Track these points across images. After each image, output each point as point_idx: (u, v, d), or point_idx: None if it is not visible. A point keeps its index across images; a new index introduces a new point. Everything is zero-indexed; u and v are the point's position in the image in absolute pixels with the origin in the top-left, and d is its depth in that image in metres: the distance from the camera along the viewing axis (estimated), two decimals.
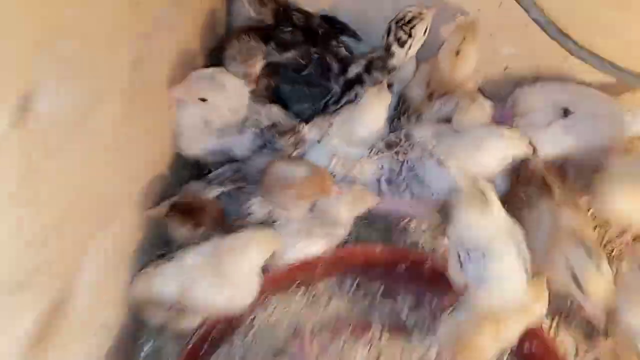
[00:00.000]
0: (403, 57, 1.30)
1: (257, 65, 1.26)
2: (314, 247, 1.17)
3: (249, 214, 1.16)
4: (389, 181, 1.19)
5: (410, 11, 1.26)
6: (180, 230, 1.13)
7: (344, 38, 1.40)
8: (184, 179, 1.28)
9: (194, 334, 1.09)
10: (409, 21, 1.25)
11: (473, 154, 1.13)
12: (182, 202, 1.14)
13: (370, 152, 1.20)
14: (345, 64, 1.36)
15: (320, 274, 1.26)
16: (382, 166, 1.20)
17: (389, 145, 1.19)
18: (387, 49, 1.30)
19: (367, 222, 1.30)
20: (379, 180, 1.20)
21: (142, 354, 1.19)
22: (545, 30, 1.17)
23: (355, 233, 1.27)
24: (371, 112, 1.20)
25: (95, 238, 0.94)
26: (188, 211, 1.13)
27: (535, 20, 1.16)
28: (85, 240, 0.92)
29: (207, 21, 1.34)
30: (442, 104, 1.29)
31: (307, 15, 1.38)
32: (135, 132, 1.04)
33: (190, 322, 1.07)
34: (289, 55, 1.35)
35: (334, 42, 1.37)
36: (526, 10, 1.15)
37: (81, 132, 0.83)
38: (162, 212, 1.12)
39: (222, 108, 1.20)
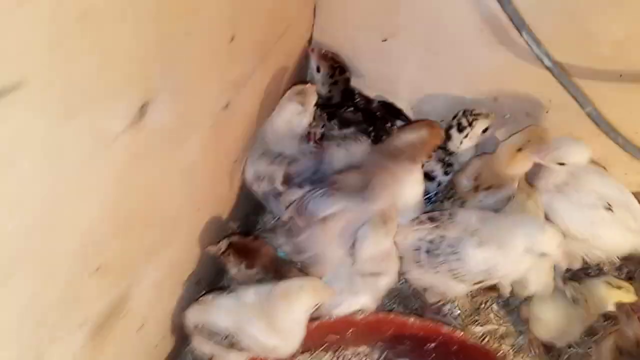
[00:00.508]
0: (458, 143, 1.41)
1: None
2: (361, 299, 1.19)
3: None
4: (428, 252, 1.23)
5: (480, 109, 1.40)
6: (233, 269, 1.18)
7: (399, 122, 1.52)
8: (244, 214, 1.34)
9: None
10: (475, 114, 1.39)
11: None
12: (239, 241, 1.20)
13: (413, 221, 1.26)
14: None
15: (350, 339, 1.27)
16: (422, 238, 1.24)
17: (432, 219, 1.25)
18: (448, 129, 1.41)
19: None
20: (418, 250, 1.24)
21: None
22: (597, 124, 1.24)
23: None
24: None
25: (156, 253, 0.99)
26: (244, 251, 1.18)
27: (589, 114, 1.22)
28: (148, 250, 0.96)
29: (287, 80, 1.46)
30: (486, 195, 1.36)
31: (367, 99, 1.53)
32: (213, 162, 1.13)
33: (235, 358, 1.09)
34: (348, 131, 1.47)
35: (389, 124, 1.50)
36: (581, 106, 1.23)
37: (174, 147, 0.91)
38: (220, 249, 1.17)
39: None
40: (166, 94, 0.80)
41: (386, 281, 1.20)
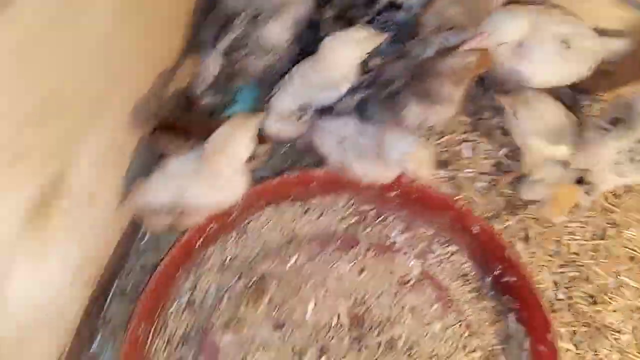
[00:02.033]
0: None
1: None
2: None
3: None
4: None
5: None
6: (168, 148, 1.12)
7: None
8: None
9: (188, 230, 1.16)
10: None
11: None
12: (166, 122, 1.12)
13: None
14: None
15: (314, 190, 1.30)
16: None
17: None
18: None
19: None
20: None
21: (142, 244, 1.29)
22: None
23: None
24: None
25: (88, 133, 0.97)
26: (172, 131, 1.11)
27: None
28: (79, 129, 0.93)
29: None
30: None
31: None
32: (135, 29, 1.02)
33: (193, 221, 1.13)
34: None
35: None
36: None
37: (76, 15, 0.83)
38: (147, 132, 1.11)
39: None
40: None
41: None
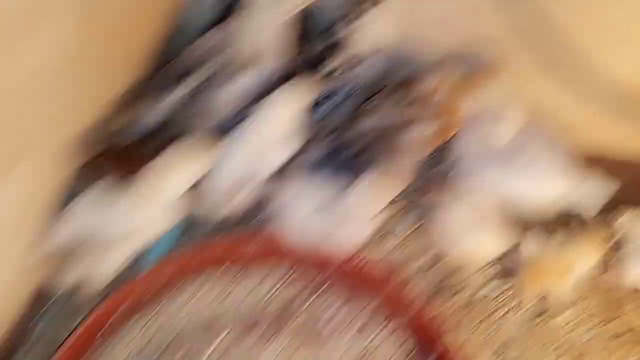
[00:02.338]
0: None
1: None
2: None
3: None
4: None
5: None
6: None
7: None
8: None
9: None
10: None
11: None
12: (114, 149, 1.06)
13: None
14: None
15: (246, 260, 1.22)
16: None
17: None
18: None
19: None
20: None
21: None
22: None
23: None
24: None
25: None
26: (118, 159, 1.05)
27: None
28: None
29: None
30: None
31: None
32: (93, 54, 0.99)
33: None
34: None
35: None
36: None
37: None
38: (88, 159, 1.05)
39: None
40: None
41: None
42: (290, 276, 1.24)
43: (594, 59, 1.18)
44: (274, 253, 1.21)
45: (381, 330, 1.21)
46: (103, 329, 1.05)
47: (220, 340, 1.12)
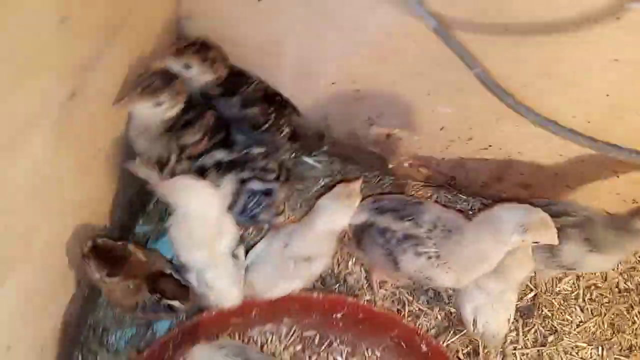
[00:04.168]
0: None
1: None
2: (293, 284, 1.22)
3: None
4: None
5: None
6: (95, 274, 1.06)
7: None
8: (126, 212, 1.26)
9: None
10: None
11: None
12: (105, 245, 1.06)
13: None
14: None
15: (255, 320, 1.26)
16: None
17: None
18: None
19: None
20: None
21: None
22: (485, 85, 1.15)
23: None
24: None
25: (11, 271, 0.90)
26: (108, 257, 1.05)
27: (477, 76, 1.15)
28: None
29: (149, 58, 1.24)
30: None
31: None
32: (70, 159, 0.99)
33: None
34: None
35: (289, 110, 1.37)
36: (469, 67, 1.14)
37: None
38: (82, 252, 1.05)
39: None
40: None
41: (319, 266, 1.22)
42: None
43: None
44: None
45: None
46: None
47: None
